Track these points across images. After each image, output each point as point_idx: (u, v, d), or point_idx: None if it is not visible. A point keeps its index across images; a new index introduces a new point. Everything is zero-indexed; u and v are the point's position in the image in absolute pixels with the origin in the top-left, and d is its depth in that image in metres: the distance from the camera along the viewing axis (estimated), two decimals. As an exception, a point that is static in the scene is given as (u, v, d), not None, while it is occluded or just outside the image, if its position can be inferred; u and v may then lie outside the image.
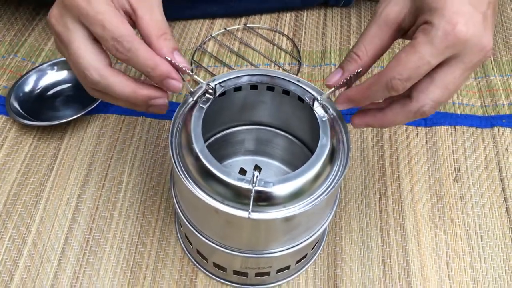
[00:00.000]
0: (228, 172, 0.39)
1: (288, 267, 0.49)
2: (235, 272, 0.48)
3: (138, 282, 0.49)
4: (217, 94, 0.44)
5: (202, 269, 0.50)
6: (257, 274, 0.48)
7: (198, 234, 0.45)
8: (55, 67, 0.62)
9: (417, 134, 0.61)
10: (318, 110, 0.43)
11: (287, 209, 0.39)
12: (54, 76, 0.62)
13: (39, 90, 0.61)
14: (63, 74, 0.62)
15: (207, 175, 0.39)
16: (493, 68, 0.68)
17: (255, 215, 0.38)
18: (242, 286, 0.50)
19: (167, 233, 0.52)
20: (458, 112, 0.63)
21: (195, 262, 0.51)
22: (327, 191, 0.40)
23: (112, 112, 0.60)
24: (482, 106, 0.64)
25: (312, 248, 0.50)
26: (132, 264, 0.50)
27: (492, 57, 0.70)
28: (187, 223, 0.45)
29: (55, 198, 0.53)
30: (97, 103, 0.58)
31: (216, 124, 0.51)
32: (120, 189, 0.55)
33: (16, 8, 0.72)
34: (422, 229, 0.53)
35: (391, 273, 0.50)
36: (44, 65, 0.62)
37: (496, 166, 0.58)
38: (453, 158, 0.59)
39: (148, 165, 0.57)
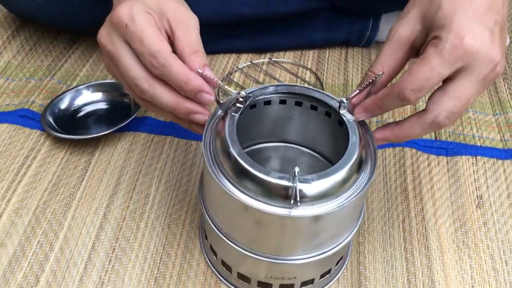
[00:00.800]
0: (268, 171, 0.40)
1: (312, 281, 0.48)
2: (259, 284, 0.48)
3: (162, 292, 0.49)
4: (247, 103, 0.46)
5: (226, 282, 0.50)
6: (281, 287, 0.48)
7: (225, 239, 0.45)
8: (90, 88, 0.65)
9: (438, 162, 0.62)
10: (345, 114, 0.45)
11: (317, 207, 0.40)
12: (88, 96, 0.65)
13: (73, 109, 0.64)
14: (98, 96, 0.65)
15: (245, 175, 0.40)
16: (511, 106, 0.70)
17: (294, 212, 0.39)
18: (266, 300, 0.49)
19: (191, 246, 0.53)
20: (479, 144, 0.64)
21: (219, 275, 0.51)
22: (356, 193, 0.41)
23: (142, 130, 0.62)
24: (502, 140, 0.65)
25: (336, 264, 0.50)
26: (157, 274, 0.50)
27: (509, 95, 0.72)
28: (215, 229, 0.46)
29: (84, 208, 0.54)
30: (129, 121, 0.60)
31: (243, 139, 0.53)
32: (147, 202, 0.56)
33: (54, 36, 0.76)
34: (446, 252, 0.53)
35: (416, 292, 0.50)
36: (80, 87, 0.65)
37: (518, 195, 0.59)
38: (475, 186, 0.59)
39: (174, 181, 0.58)
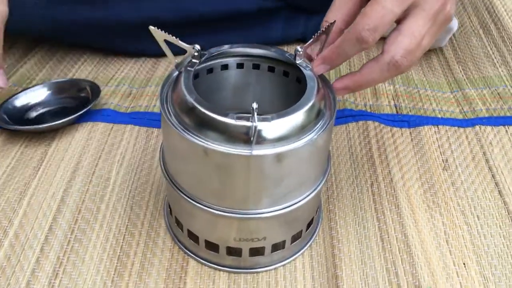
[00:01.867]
0: (226, 113, 0.39)
1: (283, 245, 0.47)
2: (229, 251, 0.46)
3: (126, 269, 0.46)
4: (203, 59, 0.45)
5: (193, 256, 0.48)
6: (251, 252, 0.46)
7: (190, 200, 0.43)
8: (46, 87, 0.64)
9: (402, 134, 0.62)
10: (301, 63, 0.44)
11: (279, 148, 0.39)
12: (44, 94, 0.63)
13: (29, 106, 0.62)
14: (54, 93, 0.64)
15: (203, 121, 0.39)
16: (467, 84, 0.72)
17: (256, 151, 0.38)
18: (236, 270, 0.47)
19: (156, 225, 0.50)
20: (439, 116, 0.65)
21: (186, 249, 0.48)
22: (317, 134, 0.40)
23: (100, 120, 0.61)
24: (462, 112, 0.66)
25: (308, 229, 0.48)
26: (120, 252, 0.47)
27: (464, 75, 0.73)
28: (178, 192, 0.44)
29: (40, 194, 0.52)
30: (85, 110, 0.59)
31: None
32: (107, 185, 0.53)
33: (12, 44, 0.75)
34: (417, 210, 0.52)
35: (391, 247, 0.48)
36: (36, 86, 0.64)
37: (482, 157, 0.59)
38: (440, 151, 0.59)
39: (136, 165, 0.56)
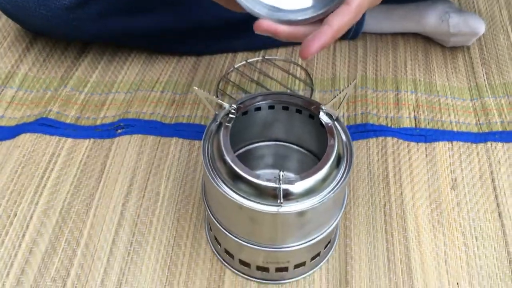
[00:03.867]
0: (257, 175, 0.47)
1: (304, 263, 0.56)
2: (258, 268, 0.56)
3: (175, 278, 0.57)
4: (239, 113, 0.52)
5: (229, 267, 0.58)
6: (277, 269, 0.56)
7: (227, 233, 0.53)
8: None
9: (418, 149, 0.68)
10: (323, 118, 0.51)
11: (302, 203, 0.47)
12: None
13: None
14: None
15: (238, 179, 0.47)
16: (487, 91, 0.76)
17: (282, 209, 0.47)
18: (264, 281, 0.57)
19: (198, 236, 0.60)
20: (455, 130, 0.71)
21: (223, 261, 0.58)
22: (334, 189, 0.48)
23: (150, 133, 0.69)
24: (477, 124, 0.71)
25: (325, 248, 0.57)
26: (169, 263, 0.58)
27: (486, 80, 0.77)
28: (217, 223, 0.53)
29: (103, 207, 0.62)
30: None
31: (239, 141, 0.60)
32: (158, 199, 0.63)
33: (65, 47, 0.82)
34: (422, 231, 0.60)
35: (395, 268, 0.57)
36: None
37: (489, 176, 0.65)
38: (451, 170, 0.66)
39: (181, 179, 0.65)
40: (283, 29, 0.44)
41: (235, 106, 0.52)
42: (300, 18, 0.43)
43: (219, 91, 0.76)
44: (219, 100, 0.51)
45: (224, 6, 0.48)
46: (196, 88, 0.50)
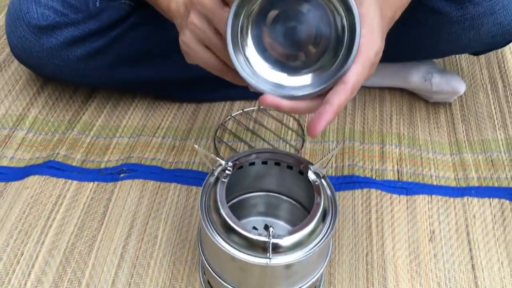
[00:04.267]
0: (249, 229, 0.52)
1: (290, 307, 0.60)
2: (248, 310, 0.60)
3: (169, 318, 0.61)
4: (234, 170, 0.57)
5: (221, 309, 0.62)
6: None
7: (218, 278, 0.57)
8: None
9: (399, 201, 0.73)
10: (311, 176, 0.56)
11: (289, 256, 0.52)
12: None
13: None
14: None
15: (232, 231, 0.52)
16: (466, 147, 0.82)
17: (271, 262, 0.51)
18: (253, 323, 0.61)
19: (193, 279, 0.65)
20: (435, 184, 0.76)
21: (215, 303, 0.63)
22: (320, 244, 0.53)
23: (151, 178, 0.74)
24: (455, 179, 0.77)
25: (310, 294, 0.62)
26: (165, 304, 0.62)
27: (465, 136, 0.83)
28: (210, 269, 0.58)
29: (104, 248, 0.66)
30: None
31: (234, 191, 0.65)
32: (156, 242, 0.68)
33: (73, 91, 0.88)
34: (401, 281, 0.65)
35: (374, 316, 0.62)
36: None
37: (465, 230, 0.70)
38: (429, 222, 0.71)
39: (178, 223, 0.70)
40: (286, 103, 0.48)
41: (231, 164, 0.57)
42: (300, 94, 0.48)
43: (216, 139, 0.82)
44: (216, 158, 0.56)
45: (229, 80, 0.53)
46: (196, 146, 0.55)
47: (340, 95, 0.47)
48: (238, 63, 0.48)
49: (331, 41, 0.48)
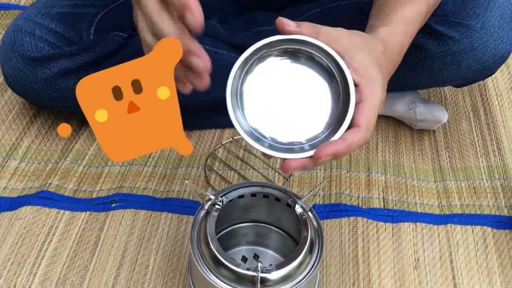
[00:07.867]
0: (238, 264, 0.54)
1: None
2: None
3: None
4: (224, 204, 0.59)
5: None
6: None
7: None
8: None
9: (385, 229, 0.75)
10: (298, 210, 0.58)
11: (275, 291, 0.54)
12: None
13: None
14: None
15: (221, 265, 0.54)
16: (449, 174, 0.84)
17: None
18: None
19: (183, 309, 0.66)
20: (419, 211, 0.78)
21: (206, 333, 0.64)
22: (307, 277, 0.55)
23: (142, 208, 0.76)
24: (439, 206, 0.79)
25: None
26: (156, 334, 0.63)
27: (448, 163, 0.86)
28: (201, 301, 0.59)
29: (96, 279, 0.68)
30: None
31: (225, 222, 0.66)
32: (147, 272, 0.69)
33: (66, 120, 0.89)
34: (386, 309, 0.67)
35: None
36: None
37: (448, 257, 0.72)
38: (414, 250, 0.73)
39: (169, 252, 0.71)
40: (309, 163, 0.48)
41: (221, 198, 0.59)
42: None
43: (207, 167, 0.83)
44: (206, 193, 0.58)
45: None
46: (187, 182, 0.57)
47: (354, 135, 0.48)
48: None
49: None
